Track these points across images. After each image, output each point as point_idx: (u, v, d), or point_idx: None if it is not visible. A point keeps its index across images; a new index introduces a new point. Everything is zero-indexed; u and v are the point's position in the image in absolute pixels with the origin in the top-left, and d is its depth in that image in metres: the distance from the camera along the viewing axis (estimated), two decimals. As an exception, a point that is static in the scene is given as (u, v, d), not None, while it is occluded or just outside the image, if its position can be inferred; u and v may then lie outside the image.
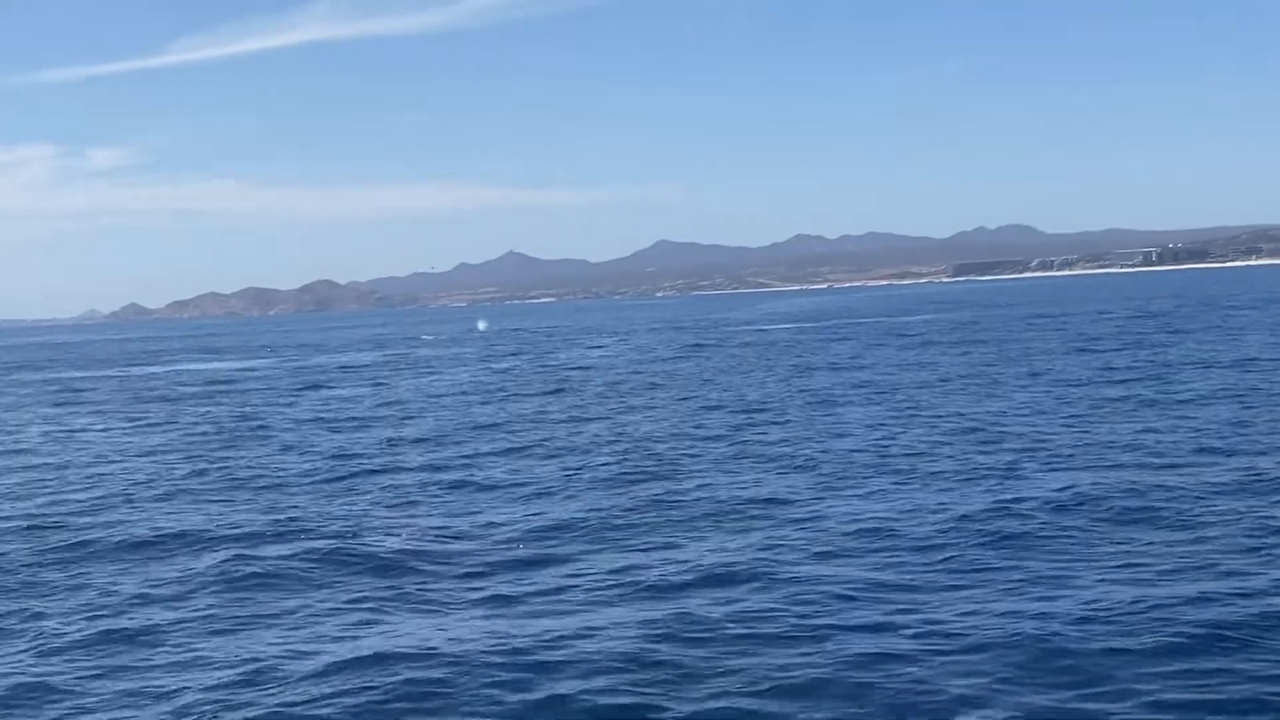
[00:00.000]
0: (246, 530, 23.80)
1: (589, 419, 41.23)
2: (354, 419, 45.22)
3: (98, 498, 28.87)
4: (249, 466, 33.14)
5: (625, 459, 30.94)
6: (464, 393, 55.42)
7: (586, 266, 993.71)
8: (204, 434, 42.46)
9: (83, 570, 21.18)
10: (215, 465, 33.63)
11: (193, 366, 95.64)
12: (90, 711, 14.43)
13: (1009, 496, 23.27)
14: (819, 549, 20.16)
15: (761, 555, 19.78)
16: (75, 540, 23.56)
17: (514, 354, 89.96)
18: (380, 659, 15.42)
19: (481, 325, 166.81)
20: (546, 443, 35.15)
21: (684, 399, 46.96)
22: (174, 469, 33.39)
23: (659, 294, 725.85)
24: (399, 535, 22.75)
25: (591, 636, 15.96)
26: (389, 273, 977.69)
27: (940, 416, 36.62)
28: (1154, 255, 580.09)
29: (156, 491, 29.45)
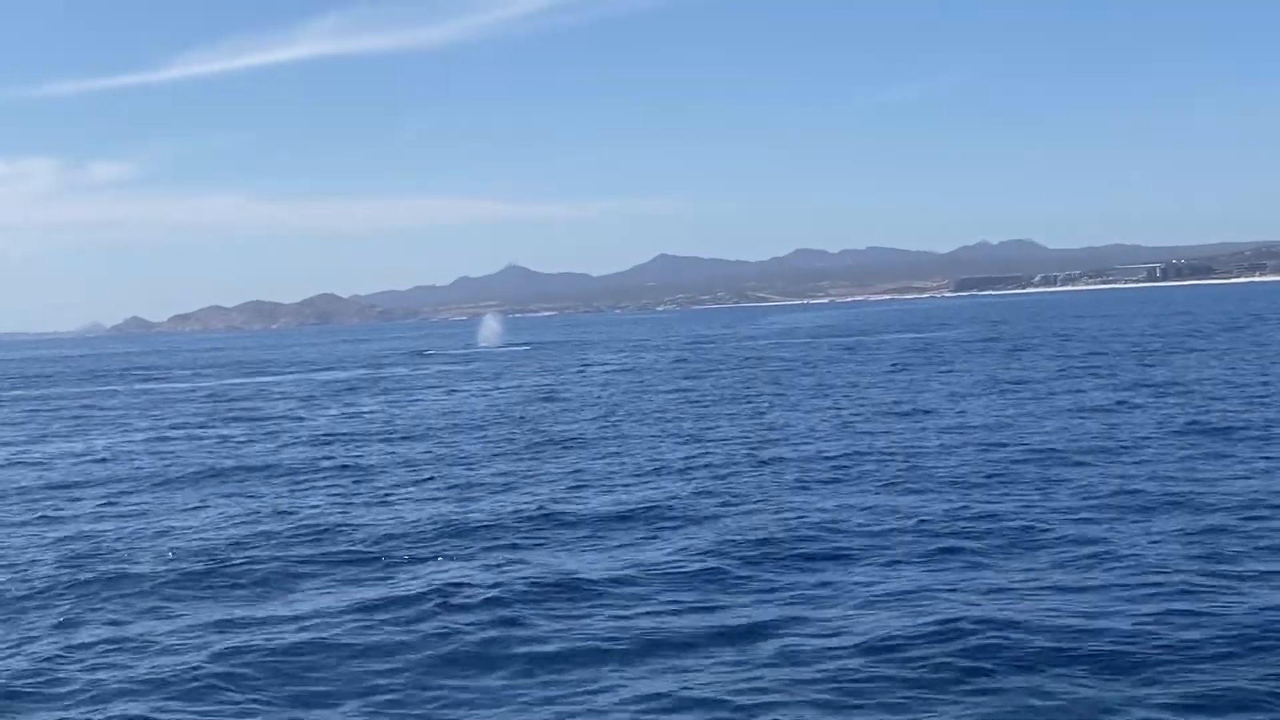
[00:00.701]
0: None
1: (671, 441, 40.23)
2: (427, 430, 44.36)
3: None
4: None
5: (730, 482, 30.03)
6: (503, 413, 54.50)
7: (587, 280, 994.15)
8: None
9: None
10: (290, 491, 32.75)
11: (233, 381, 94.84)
12: None
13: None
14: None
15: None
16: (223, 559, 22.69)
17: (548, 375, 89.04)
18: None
19: (485, 337, 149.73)
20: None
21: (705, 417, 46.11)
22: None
23: (660, 308, 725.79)
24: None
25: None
26: (390, 286, 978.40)
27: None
28: (1158, 271, 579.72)
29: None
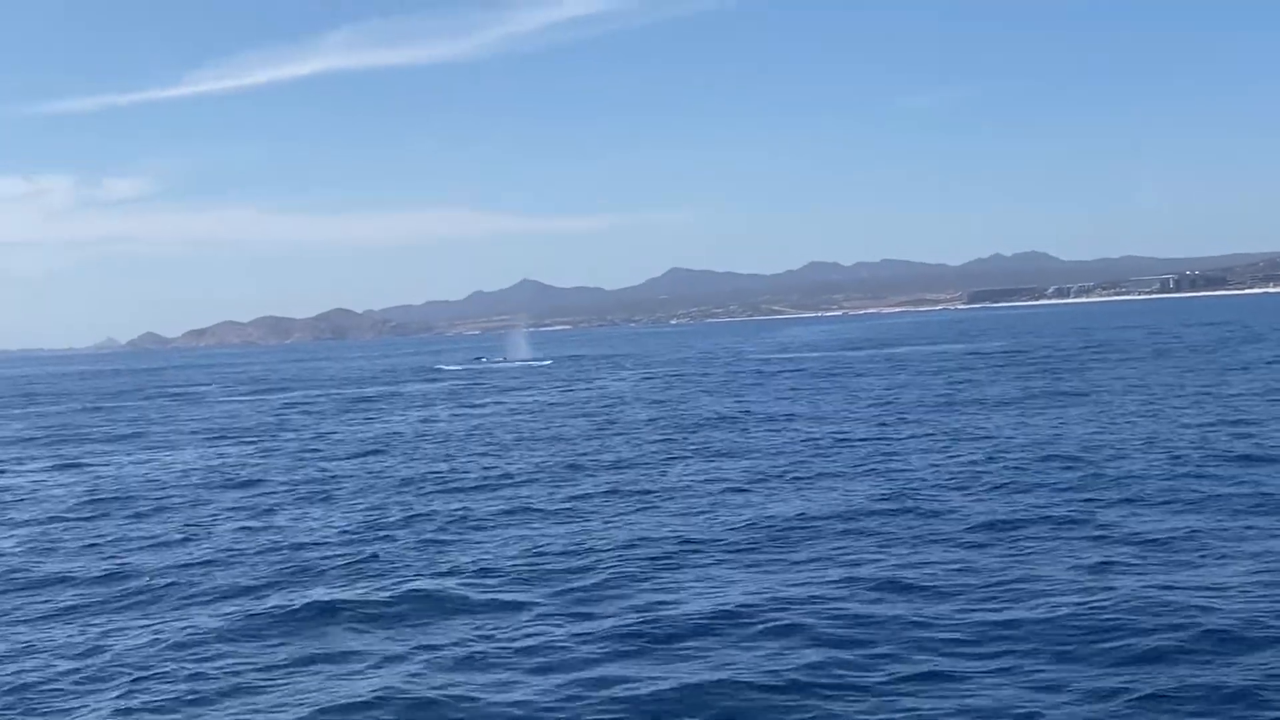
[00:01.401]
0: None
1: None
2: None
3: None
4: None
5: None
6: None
7: (600, 294, 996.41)
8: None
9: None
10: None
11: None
12: None
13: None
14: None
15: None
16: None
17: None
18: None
19: (510, 352, 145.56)
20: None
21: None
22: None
23: (673, 321, 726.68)
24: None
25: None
26: (404, 300, 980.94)
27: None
28: (1171, 282, 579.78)
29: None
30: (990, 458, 34.41)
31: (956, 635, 17.27)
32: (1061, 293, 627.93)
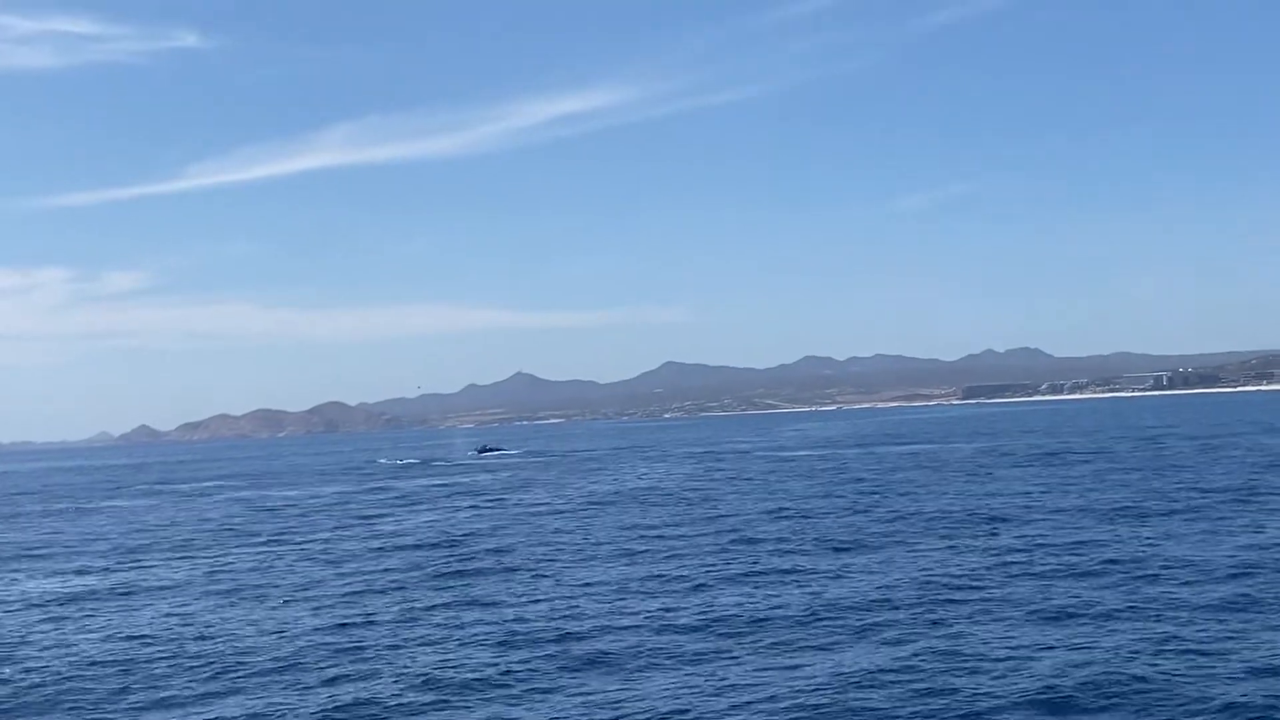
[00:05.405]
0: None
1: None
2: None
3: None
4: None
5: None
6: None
7: (594, 388, 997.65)
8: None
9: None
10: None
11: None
12: None
13: None
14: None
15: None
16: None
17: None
18: None
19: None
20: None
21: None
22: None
23: (667, 415, 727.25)
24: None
25: None
26: (398, 394, 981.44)
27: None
28: (1164, 379, 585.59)
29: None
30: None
31: None
32: (1055, 389, 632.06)
